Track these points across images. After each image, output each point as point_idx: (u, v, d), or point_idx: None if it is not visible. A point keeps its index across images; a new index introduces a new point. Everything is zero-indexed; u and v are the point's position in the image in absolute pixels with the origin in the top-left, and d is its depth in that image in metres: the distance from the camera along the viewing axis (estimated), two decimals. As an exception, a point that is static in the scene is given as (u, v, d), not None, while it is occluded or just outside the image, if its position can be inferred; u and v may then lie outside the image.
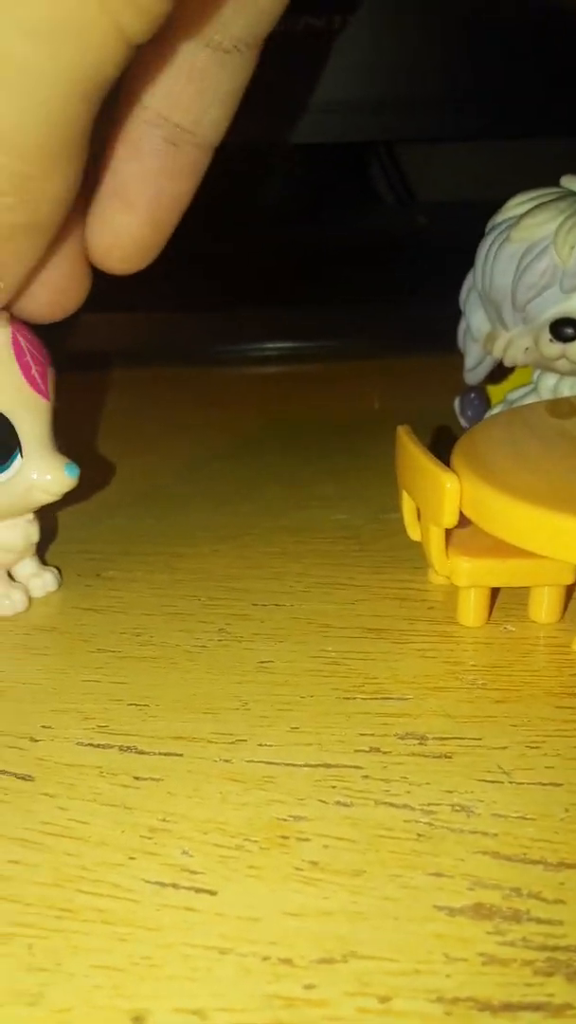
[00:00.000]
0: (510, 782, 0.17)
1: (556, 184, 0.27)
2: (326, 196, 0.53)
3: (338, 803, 0.16)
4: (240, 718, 0.18)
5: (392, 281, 0.46)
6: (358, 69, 0.40)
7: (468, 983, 0.13)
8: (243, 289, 0.45)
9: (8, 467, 0.21)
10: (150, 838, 0.15)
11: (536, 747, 0.17)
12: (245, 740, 0.18)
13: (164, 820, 0.16)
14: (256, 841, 0.15)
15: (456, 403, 0.30)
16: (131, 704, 0.19)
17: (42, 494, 0.21)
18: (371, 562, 0.24)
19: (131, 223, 0.20)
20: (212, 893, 0.14)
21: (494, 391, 0.30)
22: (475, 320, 0.28)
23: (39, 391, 0.21)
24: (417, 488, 0.21)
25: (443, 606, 0.22)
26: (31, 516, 0.22)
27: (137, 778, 0.17)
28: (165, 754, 0.17)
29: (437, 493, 0.20)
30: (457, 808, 0.16)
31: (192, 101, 0.19)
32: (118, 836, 0.15)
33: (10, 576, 0.23)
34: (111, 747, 0.18)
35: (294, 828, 0.15)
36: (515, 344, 0.26)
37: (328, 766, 0.17)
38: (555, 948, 0.13)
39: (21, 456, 0.21)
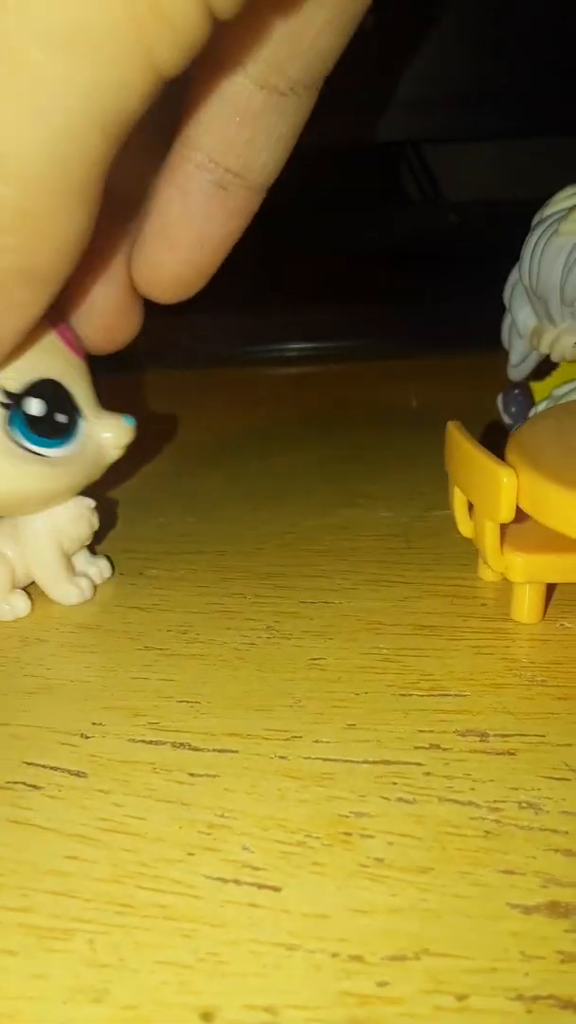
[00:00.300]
0: (577, 779, 0.16)
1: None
2: (355, 197, 0.53)
3: (400, 800, 0.16)
4: (294, 715, 0.18)
5: (423, 280, 0.45)
6: (384, 70, 0.40)
7: (548, 981, 0.12)
8: (272, 290, 0.45)
9: (78, 433, 0.21)
10: (208, 834, 0.15)
11: (602, 744, 0.17)
12: (300, 737, 0.17)
13: (222, 816, 0.15)
14: (318, 838, 0.15)
15: (499, 400, 0.29)
16: (181, 701, 0.19)
17: (113, 450, 0.21)
18: (419, 559, 0.24)
19: (172, 263, 0.20)
20: (276, 889, 0.14)
21: (538, 387, 0.29)
22: (521, 315, 0.27)
23: (77, 352, 0.21)
24: (471, 484, 0.21)
25: (496, 603, 0.22)
26: (93, 504, 0.22)
27: (192, 774, 0.16)
28: (219, 751, 0.17)
29: (493, 488, 0.19)
30: (524, 805, 0.15)
31: (245, 146, 0.18)
32: (176, 832, 0.15)
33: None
34: (163, 743, 0.17)
35: (357, 825, 0.15)
36: (563, 339, 0.26)
37: (388, 763, 0.16)
38: None
39: (83, 420, 0.21)
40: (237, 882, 0.14)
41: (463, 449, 0.21)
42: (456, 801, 0.15)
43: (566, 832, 0.15)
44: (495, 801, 0.15)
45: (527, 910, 0.13)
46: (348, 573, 0.23)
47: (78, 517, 0.22)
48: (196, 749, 0.17)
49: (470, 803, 0.15)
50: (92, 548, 0.24)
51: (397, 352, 0.42)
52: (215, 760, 0.17)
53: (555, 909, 0.13)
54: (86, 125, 0.14)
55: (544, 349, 0.26)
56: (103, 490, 0.27)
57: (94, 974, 0.13)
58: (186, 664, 0.20)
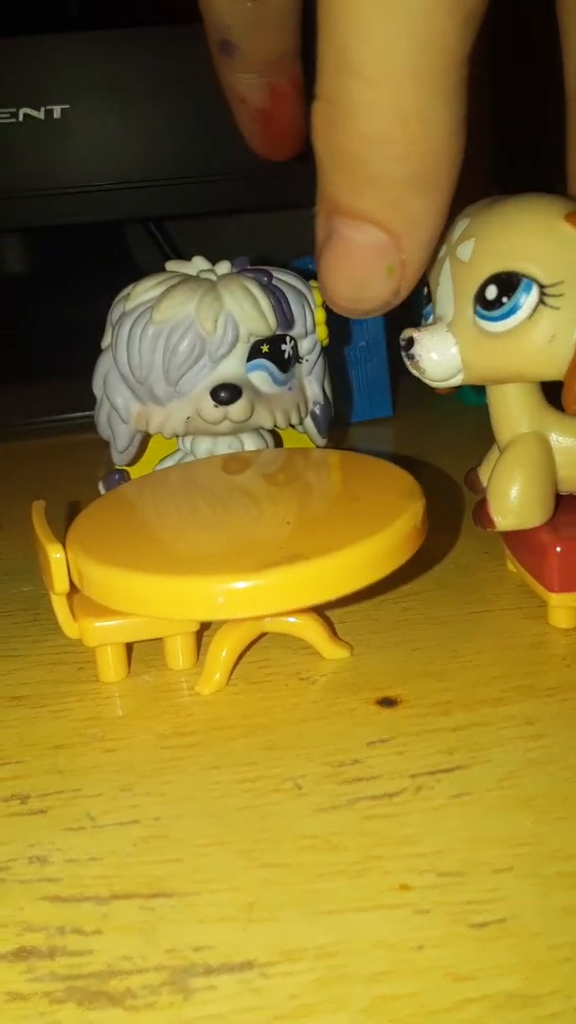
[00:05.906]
0: (94, 826, 0.18)
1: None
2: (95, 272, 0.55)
3: None
4: None
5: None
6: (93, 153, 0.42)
7: (-18, 1023, 0.14)
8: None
9: None
10: None
11: (129, 789, 0.19)
12: None
13: None
14: None
15: (100, 485, 0.31)
16: None
17: None
18: (40, 630, 0.26)
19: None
20: None
21: (134, 471, 0.30)
22: (121, 402, 0.28)
23: None
24: (41, 560, 0.23)
25: (92, 665, 0.23)
26: None
27: None
28: None
29: (48, 563, 0.22)
30: (34, 860, 0.17)
31: None
32: None
33: None
34: None
35: None
36: (174, 417, 0.28)
37: None
38: (77, 977, 0.15)
39: None
40: None
41: (34, 529, 0.23)
42: (-32, 868, 0.17)
43: (60, 879, 0.17)
44: (8, 861, 0.17)
45: (-9, 959, 0.15)
46: (-38, 653, 0.25)
47: None
48: None
49: (-19, 868, 0.17)
50: None
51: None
52: None
53: (19, 954, 0.15)
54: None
55: (154, 429, 0.28)
56: None
57: None
58: None
